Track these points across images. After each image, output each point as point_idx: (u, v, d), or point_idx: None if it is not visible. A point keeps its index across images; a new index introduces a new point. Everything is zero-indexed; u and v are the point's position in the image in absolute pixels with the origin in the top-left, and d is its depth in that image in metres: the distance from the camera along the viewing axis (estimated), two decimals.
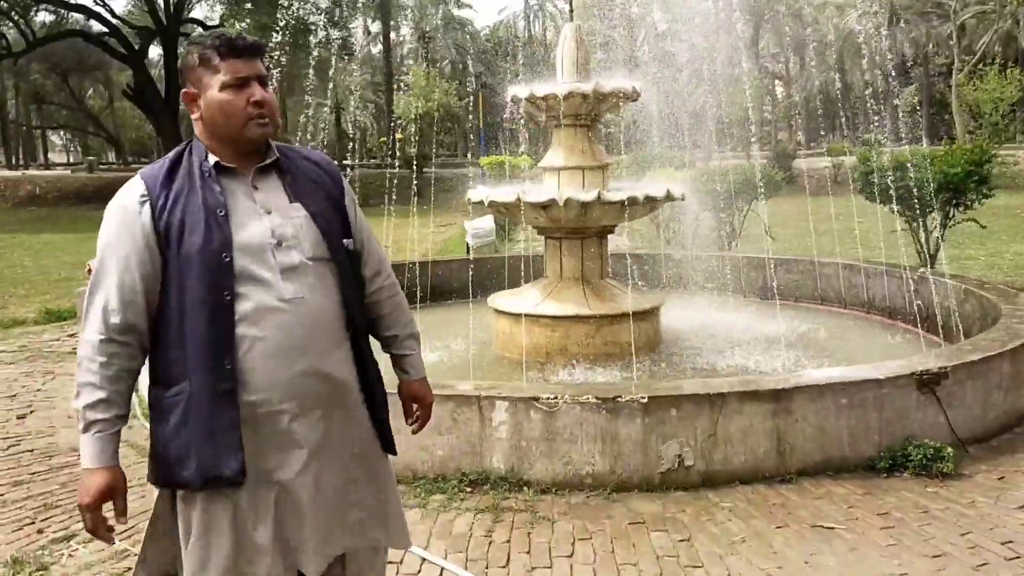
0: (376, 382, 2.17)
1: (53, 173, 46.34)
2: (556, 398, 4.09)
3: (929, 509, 3.80)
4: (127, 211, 1.97)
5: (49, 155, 67.52)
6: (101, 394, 1.92)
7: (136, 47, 36.53)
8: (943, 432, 4.37)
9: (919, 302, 6.78)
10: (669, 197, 6.22)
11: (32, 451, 4.86)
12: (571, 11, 7.03)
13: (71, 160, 67.87)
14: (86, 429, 1.92)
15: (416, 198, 13.43)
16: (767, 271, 8.58)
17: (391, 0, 46.50)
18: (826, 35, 38.96)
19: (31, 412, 5.63)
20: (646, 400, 4.03)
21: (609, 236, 6.66)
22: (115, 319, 1.93)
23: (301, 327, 1.98)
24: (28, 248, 19.87)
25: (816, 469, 4.18)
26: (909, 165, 8.08)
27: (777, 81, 47.33)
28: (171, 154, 2.07)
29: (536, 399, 4.10)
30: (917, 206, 8.39)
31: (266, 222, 2.00)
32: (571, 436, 4.07)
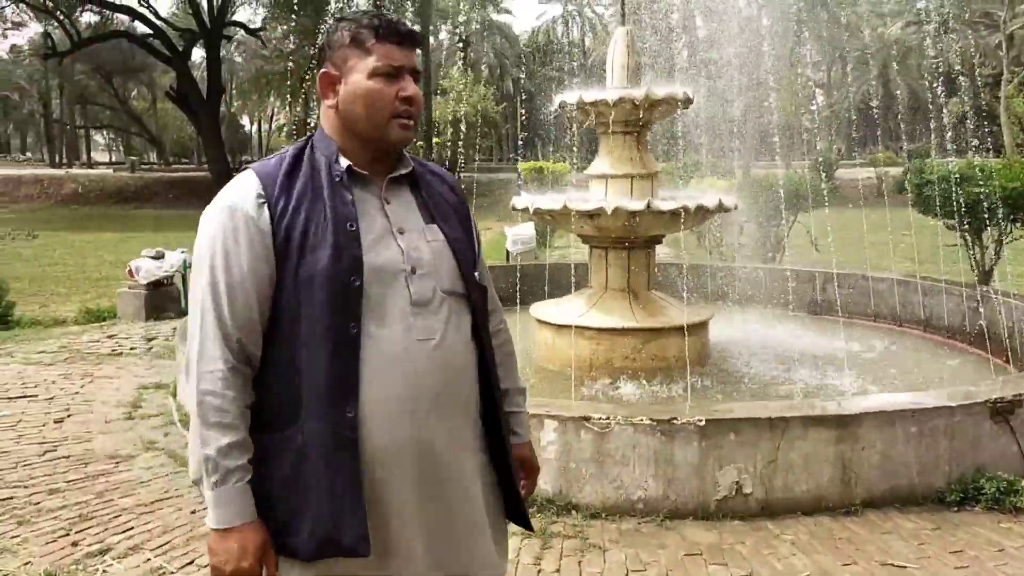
0: (510, 453, 1.86)
1: (96, 172, 47.19)
2: (608, 419, 3.91)
3: (1004, 547, 3.57)
4: (241, 213, 1.63)
5: (92, 154, 68.74)
6: (237, 436, 1.58)
7: (180, 49, 36.95)
8: (1016, 464, 4.12)
9: (981, 322, 6.49)
10: (722, 207, 6.01)
11: (68, 457, 4.77)
12: (623, 15, 6.85)
13: (113, 159, 69.07)
14: (223, 480, 1.57)
15: None
16: (816, 285, 8.33)
17: (430, 3, 46.69)
18: (869, 44, 38.39)
19: (68, 416, 5.56)
20: (704, 423, 3.84)
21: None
22: (239, 344, 1.61)
23: (433, 375, 1.66)
24: (70, 246, 20.14)
25: (882, 500, 3.95)
26: (969, 178, 7.80)
27: (818, 90, 46.70)
28: (291, 149, 1.75)
29: (587, 419, 3.93)
30: (979, 220, 8.09)
31: (400, 243, 1.69)
32: (623, 458, 3.89)
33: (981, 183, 7.77)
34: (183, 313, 8.57)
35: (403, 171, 1.77)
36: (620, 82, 6.34)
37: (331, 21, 1.74)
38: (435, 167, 1.90)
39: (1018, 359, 5.85)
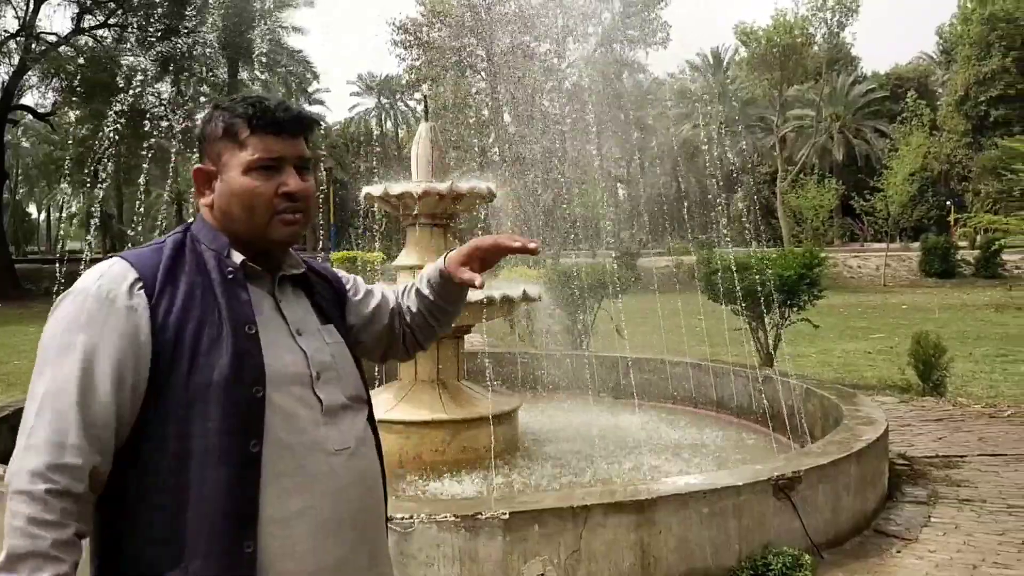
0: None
1: None
2: (411, 517, 3.80)
3: None
4: (110, 304, 1.38)
5: None
6: (58, 569, 1.27)
7: None
8: (799, 537, 4.36)
9: (766, 401, 6.97)
10: (527, 298, 6.15)
11: None
12: (426, 111, 7.03)
13: None
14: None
15: None
16: (619, 370, 8.65)
17: (238, 92, 46.00)
18: (663, 143, 41.62)
19: None
20: (507, 516, 3.81)
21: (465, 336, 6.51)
22: (76, 459, 1.30)
23: (353, 488, 1.48)
24: None
25: None
26: (749, 267, 8.47)
27: (619, 184, 49.79)
28: (167, 239, 1.52)
29: (389, 519, 3.79)
30: (757, 306, 8.76)
31: (301, 346, 1.51)
32: (427, 559, 3.78)
33: (757, 272, 8.45)
34: None
35: (294, 271, 1.60)
36: (425, 175, 6.44)
37: (208, 109, 1.60)
38: (315, 263, 1.73)
39: (798, 436, 6.29)
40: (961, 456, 6.35)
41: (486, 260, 1.71)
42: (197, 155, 1.59)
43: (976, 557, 4.39)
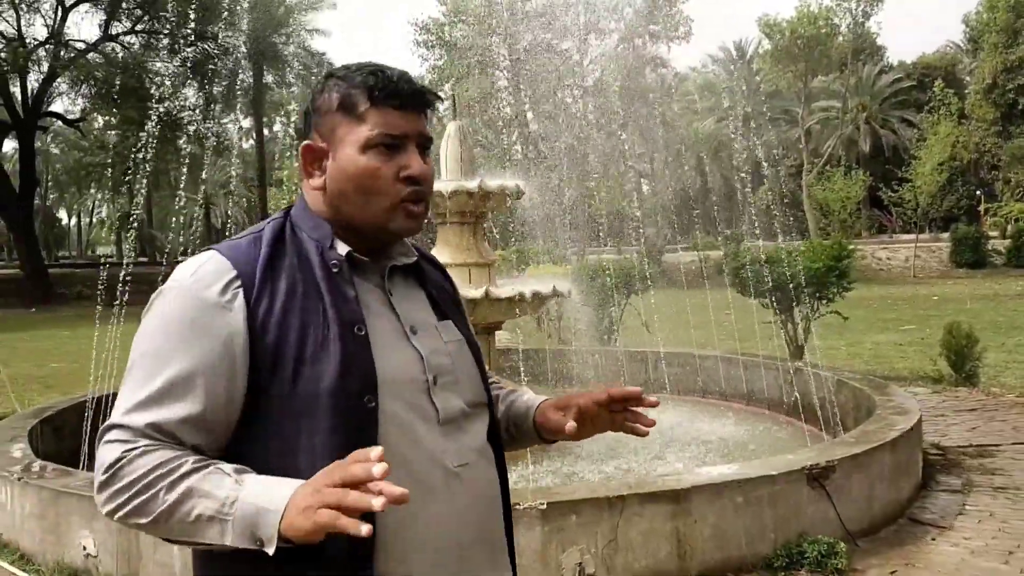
0: None
1: None
2: None
3: None
4: (202, 304, 1.24)
5: None
6: (189, 462, 1.19)
7: None
8: (834, 527, 4.40)
9: (797, 394, 6.98)
10: (556, 293, 6.24)
11: None
12: (454, 109, 7.11)
13: None
14: (228, 506, 1.14)
15: None
16: (648, 364, 8.69)
17: (264, 96, 46.44)
18: (687, 138, 41.50)
19: None
20: (545, 506, 3.88)
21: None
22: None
23: (471, 510, 1.33)
24: None
25: (716, 570, 4.09)
26: (777, 260, 8.47)
27: (643, 179, 49.67)
28: (266, 229, 1.34)
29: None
30: (786, 299, 8.76)
31: (416, 347, 1.35)
32: None
33: (786, 265, 8.46)
34: None
35: (407, 261, 1.43)
36: (454, 174, 6.53)
37: (321, 78, 1.42)
38: (426, 252, 1.54)
39: (829, 427, 6.31)
40: (995, 445, 6.34)
41: (587, 415, 1.52)
42: (304, 131, 1.42)
43: (1012, 543, 4.40)
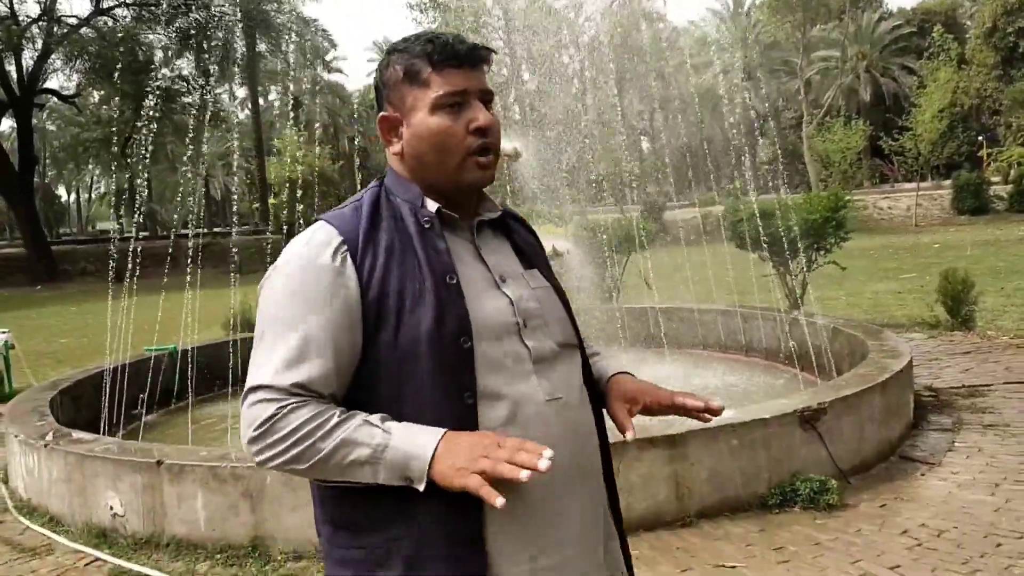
0: (621, 520, 1.65)
1: None
2: None
3: (820, 541, 3.96)
4: (319, 271, 1.38)
5: None
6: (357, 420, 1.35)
7: None
8: (826, 466, 4.58)
9: (793, 343, 7.15)
10: (556, 253, 6.39)
11: None
12: None
13: None
14: (380, 452, 1.32)
15: None
16: (649, 320, 8.85)
17: (258, 65, 46.16)
18: (685, 93, 41.23)
19: None
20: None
21: None
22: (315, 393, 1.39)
23: (566, 441, 1.41)
24: None
25: (714, 510, 4.30)
26: (775, 213, 8.58)
27: (643, 137, 49.46)
28: (366, 196, 1.50)
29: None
30: (784, 251, 8.88)
31: (506, 293, 1.47)
32: None
33: (783, 218, 8.57)
34: (7, 397, 8.05)
35: (491, 215, 1.57)
36: None
37: (384, 55, 1.55)
38: (509, 210, 1.67)
39: (825, 373, 6.48)
40: (987, 385, 6.51)
41: (652, 411, 1.64)
42: (376, 105, 1.56)
43: (998, 476, 4.59)
